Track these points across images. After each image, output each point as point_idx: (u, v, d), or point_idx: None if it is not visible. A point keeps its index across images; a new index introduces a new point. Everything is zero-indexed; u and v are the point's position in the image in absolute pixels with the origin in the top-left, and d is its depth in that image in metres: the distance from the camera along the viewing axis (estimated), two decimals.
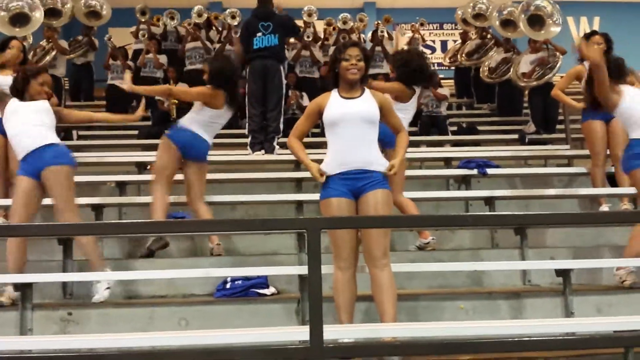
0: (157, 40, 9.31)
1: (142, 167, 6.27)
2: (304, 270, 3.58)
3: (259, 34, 6.48)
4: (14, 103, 4.14)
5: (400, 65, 4.53)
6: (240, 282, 4.08)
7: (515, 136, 7.71)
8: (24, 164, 4.02)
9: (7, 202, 4.52)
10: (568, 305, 3.77)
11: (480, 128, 8.38)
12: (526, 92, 8.15)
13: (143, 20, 9.62)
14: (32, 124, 4.01)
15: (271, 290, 4.13)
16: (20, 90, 4.12)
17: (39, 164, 3.98)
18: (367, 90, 3.51)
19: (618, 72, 4.22)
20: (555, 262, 4.14)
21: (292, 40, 9.28)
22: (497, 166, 5.94)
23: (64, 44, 8.80)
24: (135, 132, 7.99)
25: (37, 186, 4.02)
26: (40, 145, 3.99)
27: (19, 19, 7.06)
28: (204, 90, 4.66)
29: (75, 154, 6.40)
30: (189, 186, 4.64)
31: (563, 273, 3.80)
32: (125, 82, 4.72)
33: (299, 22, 9.52)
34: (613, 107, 4.21)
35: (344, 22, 9.51)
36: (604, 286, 4.29)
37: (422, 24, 10.73)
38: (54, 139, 4.07)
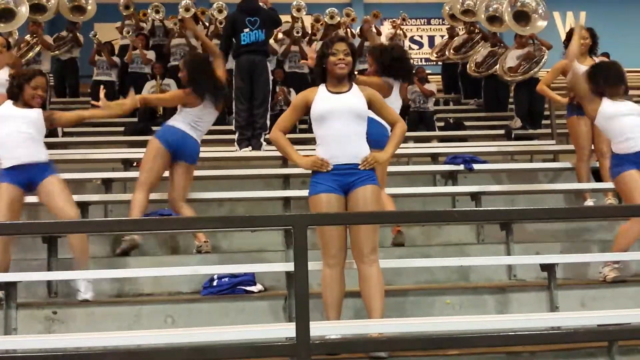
0: (145, 35, 9.25)
1: (128, 164, 6.23)
2: (290, 267, 3.58)
3: (246, 30, 6.44)
4: (7, 107, 4.11)
5: (378, 56, 4.47)
6: (227, 279, 4.07)
7: (502, 132, 7.75)
8: (11, 173, 3.99)
9: None
10: (553, 300, 3.80)
11: (467, 124, 8.41)
12: (512, 88, 8.19)
13: (126, 14, 9.52)
14: (23, 136, 4.00)
15: (258, 287, 4.12)
16: (15, 94, 4.12)
17: (29, 177, 4.00)
18: (354, 85, 3.50)
19: (614, 81, 4.20)
20: (541, 257, 4.18)
21: (280, 35, 9.27)
22: (484, 162, 5.97)
23: (48, 39, 8.71)
24: (121, 128, 7.93)
25: (22, 196, 4.06)
26: (32, 161, 4.00)
27: (4, 14, 6.98)
28: (177, 92, 4.68)
29: (61, 152, 6.42)
30: (174, 186, 4.60)
31: (548, 268, 3.83)
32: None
33: (287, 17, 9.52)
34: (590, 118, 4.31)
35: (331, 17, 9.51)
36: (589, 281, 4.33)
37: (403, 19, 10.71)
38: (43, 156, 4.09)
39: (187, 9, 9.29)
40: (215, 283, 4.09)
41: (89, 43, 9.89)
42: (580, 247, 4.65)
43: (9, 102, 4.14)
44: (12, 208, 3.99)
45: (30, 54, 8.09)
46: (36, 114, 4.11)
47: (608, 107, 4.15)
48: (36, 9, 7.72)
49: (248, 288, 4.08)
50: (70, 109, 9.08)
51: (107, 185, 5.51)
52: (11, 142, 4.00)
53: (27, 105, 4.12)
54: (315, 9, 10.58)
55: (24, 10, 7.02)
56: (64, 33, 9.34)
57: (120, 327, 3.72)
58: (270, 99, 6.72)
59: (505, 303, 3.95)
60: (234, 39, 6.60)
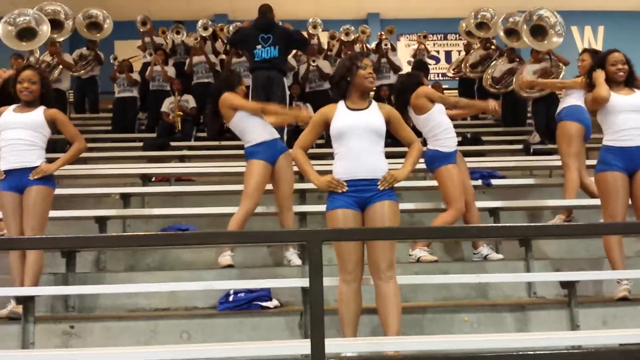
0: (164, 51, 9.37)
1: (146, 179, 6.28)
2: (306, 282, 3.56)
3: (259, 47, 6.50)
4: (8, 113, 4.08)
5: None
6: (243, 294, 4.06)
7: (520, 146, 7.69)
8: (8, 178, 4.01)
9: None
10: (574, 318, 3.74)
11: (484, 138, 8.35)
12: (530, 103, 8.13)
13: (143, 30, 9.67)
14: (19, 142, 3.98)
15: (274, 303, 4.11)
16: (12, 97, 4.11)
17: (20, 182, 3.98)
18: (374, 102, 3.51)
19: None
20: (561, 274, 4.11)
21: (298, 53, 9.33)
22: (502, 177, 5.92)
23: (68, 57, 8.85)
24: (140, 144, 8.02)
25: (21, 200, 4.02)
26: (22, 167, 3.97)
27: (26, 33, 7.10)
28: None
29: (80, 166, 6.50)
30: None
31: (568, 285, 3.76)
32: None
33: (304, 35, 9.59)
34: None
35: (346, 34, 9.57)
36: (610, 298, 4.24)
37: (425, 37, 10.77)
38: (37, 161, 4.01)
39: (205, 28, 9.44)
40: (231, 298, 4.08)
41: (108, 60, 10.07)
42: (601, 264, 4.56)
43: (10, 108, 4.11)
44: (15, 215, 4.00)
45: (54, 75, 8.21)
46: (37, 116, 4.05)
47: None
48: (53, 25, 7.85)
49: (264, 304, 4.07)
50: (90, 125, 9.31)
51: (125, 200, 5.55)
52: (7, 149, 4.00)
53: (26, 105, 4.06)
54: (331, 26, 10.66)
55: (45, 29, 7.12)
56: (85, 51, 9.49)
57: (137, 342, 3.73)
58: None
59: (524, 321, 3.88)
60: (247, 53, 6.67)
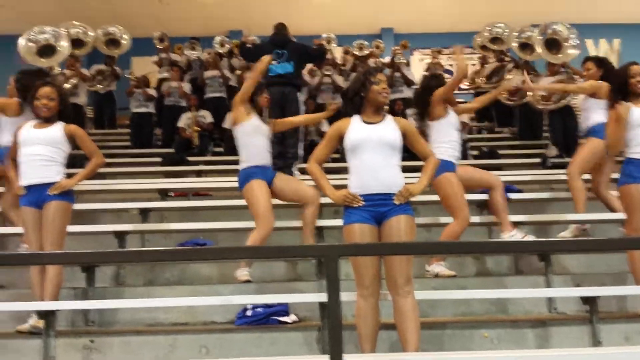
0: (180, 67, 9.49)
1: (164, 193, 6.33)
2: (324, 297, 3.56)
3: (273, 62, 6.56)
4: (27, 129, 4.13)
5: None
6: (261, 309, 4.06)
7: (538, 160, 7.64)
8: (27, 194, 4.05)
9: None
10: (595, 334, 3.69)
11: (501, 152, 8.31)
12: (546, 116, 8.09)
13: (161, 47, 9.81)
14: (37, 159, 4.03)
15: (292, 318, 4.10)
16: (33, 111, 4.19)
17: (39, 197, 4.02)
18: (389, 116, 3.52)
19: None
20: (582, 289, 4.06)
21: (311, 66, 9.40)
22: (520, 191, 5.87)
23: (86, 72, 9.00)
24: (158, 159, 8.09)
25: (40, 215, 4.05)
26: (41, 182, 4.02)
27: (46, 50, 7.24)
28: None
29: (99, 182, 6.58)
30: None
31: (589, 300, 3.72)
32: None
33: None
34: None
35: (360, 49, 9.61)
36: (633, 314, 4.18)
37: (439, 52, 10.85)
38: (56, 177, 4.05)
39: (222, 45, 9.56)
40: (249, 313, 4.09)
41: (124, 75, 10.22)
42: (623, 279, 4.50)
43: (30, 124, 4.16)
44: (35, 230, 4.04)
45: (67, 86, 8.34)
46: (56, 131, 4.09)
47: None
48: (74, 43, 7.99)
49: (282, 318, 4.07)
50: (108, 139, 9.42)
51: (144, 215, 5.60)
52: (26, 165, 4.05)
53: (45, 121, 4.11)
54: (345, 41, 10.73)
55: (64, 46, 7.26)
56: (103, 67, 9.64)
57: (156, 357, 3.75)
58: (302, 129, 6.79)
59: (545, 337, 3.84)
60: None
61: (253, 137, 4.60)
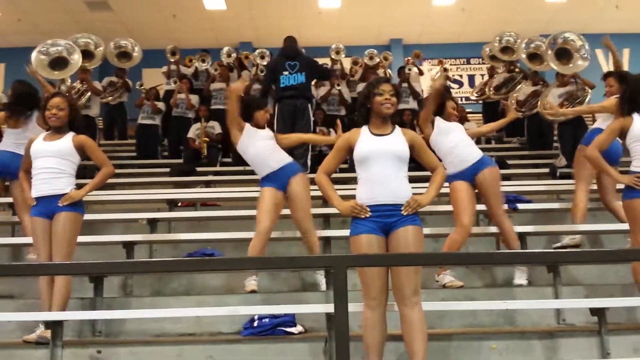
0: (189, 79, 9.57)
1: (173, 204, 6.36)
2: (331, 308, 3.55)
3: (286, 73, 6.63)
4: (38, 142, 4.17)
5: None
6: (267, 320, 4.06)
7: (546, 170, 7.60)
8: (37, 205, 4.09)
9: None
10: (604, 346, 3.65)
11: (510, 162, 8.28)
12: (555, 125, 8.05)
13: (173, 60, 9.92)
14: (48, 171, 4.07)
15: (299, 328, 4.10)
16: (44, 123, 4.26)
17: (49, 208, 4.06)
18: (397, 128, 3.53)
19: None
20: (590, 301, 4.03)
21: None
22: (529, 201, 5.84)
23: (97, 85, 9.09)
24: (167, 169, 8.14)
25: (50, 226, 4.09)
26: (51, 194, 4.05)
27: (58, 62, 7.33)
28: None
29: (108, 192, 6.63)
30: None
31: (598, 312, 3.68)
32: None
33: (326, 60, 9.72)
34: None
35: (370, 58, 9.64)
36: None
37: (441, 62, 11.09)
38: (66, 188, 4.08)
39: (229, 55, 9.64)
40: (256, 324, 4.09)
41: (135, 87, 10.31)
42: (632, 290, 4.45)
43: (41, 137, 4.21)
44: (45, 240, 4.07)
45: (82, 100, 8.44)
46: (65, 143, 4.12)
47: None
48: (84, 55, 8.09)
49: (288, 329, 4.06)
50: (119, 151, 9.49)
51: (152, 225, 5.63)
52: (36, 177, 4.10)
53: (55, 132, 4.15)
54: (354, 51, 10.77)
55: (76, 58, 7.35)
56: (114, 79, 9.74)
57: None
58: None
59: (553, 348, 3.80)
60: (274, 85, 6.81)
61: (251, 147, 4.63)
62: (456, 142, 4.67)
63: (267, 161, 4.64)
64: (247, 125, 4.70)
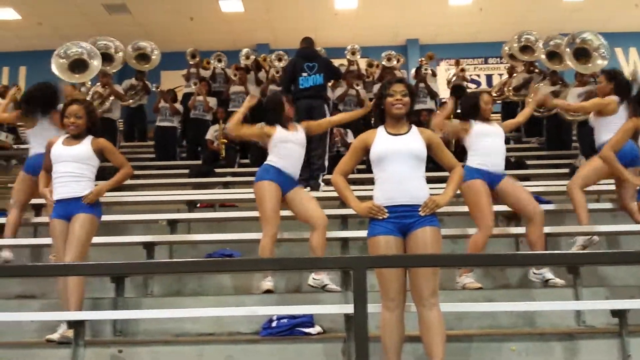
0: (208, 82, 9.65)
1: (192, 205, 6.42)
2: (349, 309, 3.56)
3: (304, 74, 6.66)
4: (57, 146, 4.22)
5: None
6: (286, 320, 4.08)
7: (566, 170, 7.52)
8: (56, 207, 4.15)
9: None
10: (625, 348, 3.61)
11: (529, 162, 8.22)
12: (575, 125, 7.98)
13: (193, 63, 10.00)
14: (67, 175, 4.12)
15: (317, 329, 4.11)
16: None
17: (68, 210, 4.11)
18: (414, 127, 3.52)
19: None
20: (611, 302, 3.99)
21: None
22: (548, 202, 5.79)
23: (118, 88, 9.19)
24: (186, 171, 8.22)
25: (68, 227, 4.13)
26: (70, 197, 4.10)
27: (78, 65, 7.39)
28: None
29: (128, 193, 6.71)
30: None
31: (619, 313, 3.65)
32: None
33: (343, 61, 9.74)
34: None
35: (388, 59, 9.64)
36: None
37: (458, 63, 11.04)
38: (84, 191, 4.12)
39: (247, 57, 9.71)
40: (274, 324, 4.11)
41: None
42: None
43: (60, 141, 4.25)
44: (63, 241, 4.11)
45: (106, 105, 8.51)
46: (83, 147, 4.17)
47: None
48: (104, 58, 8.17)
49: (306, 330, 4.08)
50: (138, 152, 9.59)
51: (172, 226, 5.68)
52: (57, 181, 4.16)
53: (74, 138, 4.20)
54: (370, 52, 10.79)
55: (96, 63, 7.37)
56: (134, 81, 9.82)
57: None
58: (327, 140, 6.83)
59: (573, 350, 3.77)
60: (292, 84, 6.84)
61: (284, 144, 4.64)
62: (497, 148, 4.68)
63: (293, 162, 4.65)
64: (278, 129, 4.68)
